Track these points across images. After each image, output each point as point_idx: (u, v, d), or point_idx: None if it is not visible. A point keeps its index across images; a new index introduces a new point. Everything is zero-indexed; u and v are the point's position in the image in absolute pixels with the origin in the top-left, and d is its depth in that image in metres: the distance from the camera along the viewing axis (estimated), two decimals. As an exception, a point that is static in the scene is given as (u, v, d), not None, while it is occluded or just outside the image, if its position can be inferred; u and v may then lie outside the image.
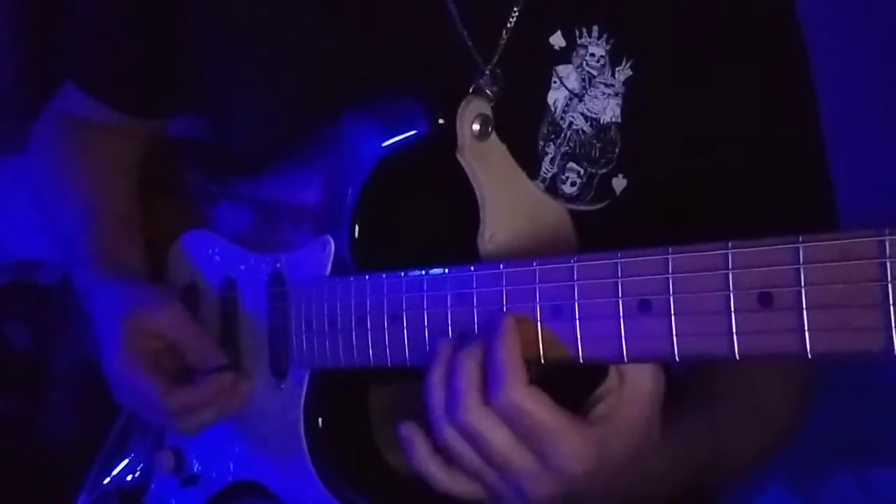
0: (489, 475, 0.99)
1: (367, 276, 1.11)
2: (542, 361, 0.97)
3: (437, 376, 0.99)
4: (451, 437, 0.98)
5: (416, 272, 1.06)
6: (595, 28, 1.22)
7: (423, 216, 1.18)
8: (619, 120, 1.22)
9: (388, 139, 1.14)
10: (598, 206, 1.23)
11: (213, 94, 1.39)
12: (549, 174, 1.22)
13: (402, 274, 1.07)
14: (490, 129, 1.12)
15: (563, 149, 1.22)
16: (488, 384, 0.95)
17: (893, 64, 2.44)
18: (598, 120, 1.22)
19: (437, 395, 0.99)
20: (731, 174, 1.25)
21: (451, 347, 0.99)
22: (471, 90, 1.21)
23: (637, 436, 0.97)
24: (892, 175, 2.41)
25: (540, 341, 0.96)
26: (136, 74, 1.46)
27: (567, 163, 1.22)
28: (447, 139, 1.11)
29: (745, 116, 1.24)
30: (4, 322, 2.37)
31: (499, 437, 0.96)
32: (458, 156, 1.11)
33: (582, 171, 1.22)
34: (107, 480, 1.49)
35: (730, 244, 0.84)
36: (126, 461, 1.48)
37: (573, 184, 1.22)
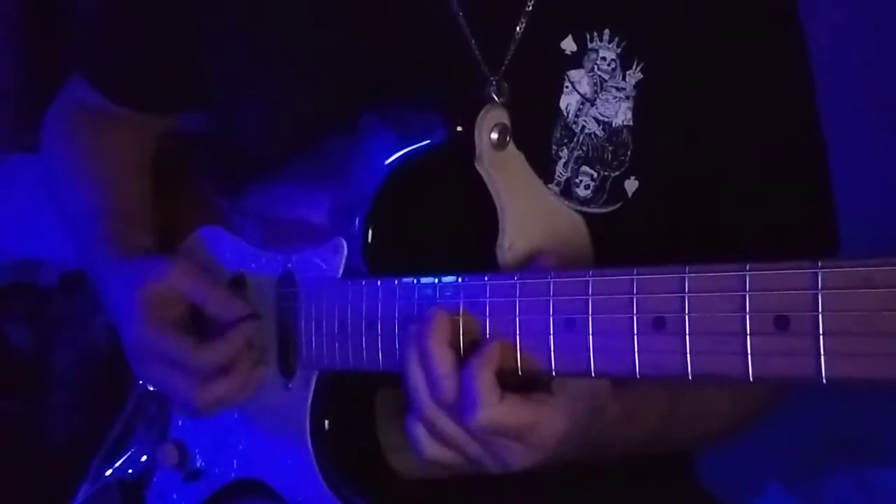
0: (472, 448, 1.03)
1: (378, 281, 1.10)
2: (554, 375, 0.97)
3: (414, 356, 1.03)
4: (433, 415, 1.03)
5: (429, 279, 1.05)
6: (606, 32, 1.22)
7: (439, 223, 1.18)
8: (631, 123, 1.23)
9: (404, 147, 1.14)
10: (611, 209, 1.24)
11: (219, 93, 1.39)
12: (563, 178, 1.22)
13: (415, 280, 1.07)
14: (508, 138, 1.11)
15: (576, 153, 1.22)
16: (461, 407, 0.99)
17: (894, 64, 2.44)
18: (610, 123, 1.22)
19: (415, 374, 1.03)
20: (738, 176, 1.25)
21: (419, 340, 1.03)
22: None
23: (591, 388, 1.03)
24: (893, 175, 2.41)
25: (552, 355, 0.96)
26: (141, 71, 1.46)
27: (580, 166, 1.22)
28: (465, 148, 1.10)
29: (752, 119, 1.24)
30: (4, 322, 2.37)
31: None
32: (477, 165, 1.11)
33: (595, 175, 1.23)
34: (109, 472, 1.49)
35: (748, 266, 0.83)
36: (129, 453, 1.48)
37: (587, 187, 1.23)
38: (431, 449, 1.05)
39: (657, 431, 1.17)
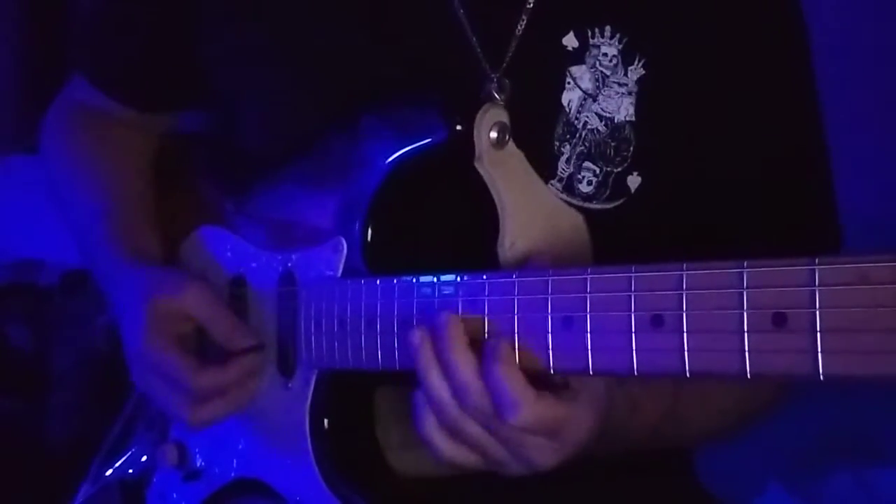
0: (496, 450, 1.02)
1: (378, 280, 1.11)
2: (552, 372, 0.97)
3: (433, 367, 1.01)
4: (458, 419, 1.01)
5: (428, 278, 1.05)
6: (608, 28, 1.22)
7: (439, 223, 1.18)
8: (633, 118, 1.23)
9: (404, 146, 1.14)
10: (613, 205, 1.24)
11: (219, 92, 1.39)
12: (566, 174, 1.22)
13: (414, 279, 1.07)
14: (507, 136, 1.12)
15: (578, 149, 1.22)
16: (497, 409, 0.97)
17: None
18: (612, 119, 1.22)
19: (439, 385, 1.01)
20: (740, 172, 1.25)
21: (431, 342, 1.01)
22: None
23: (604, 381, 1.02)
24: (893, 174, 2.41)
25: (550, 353, 0.96)
26: (141, 69, 1.47)
27: (583, 162, 1.22)
28: (464, 147, 1.10)
29: (754, 114, 1.24)
30: (4, 322, 2.38)
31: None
32: (477, 164, 1.11)
33: (598, 171, 1.23)
34: (109, 472, 1.49)
35: (745, 263, 0.84)
36: (129, 453, 1.48)
37: (589, 183, 1.23)
38: (452, 451, 1.04)
39: (660, 423, 1.17)
